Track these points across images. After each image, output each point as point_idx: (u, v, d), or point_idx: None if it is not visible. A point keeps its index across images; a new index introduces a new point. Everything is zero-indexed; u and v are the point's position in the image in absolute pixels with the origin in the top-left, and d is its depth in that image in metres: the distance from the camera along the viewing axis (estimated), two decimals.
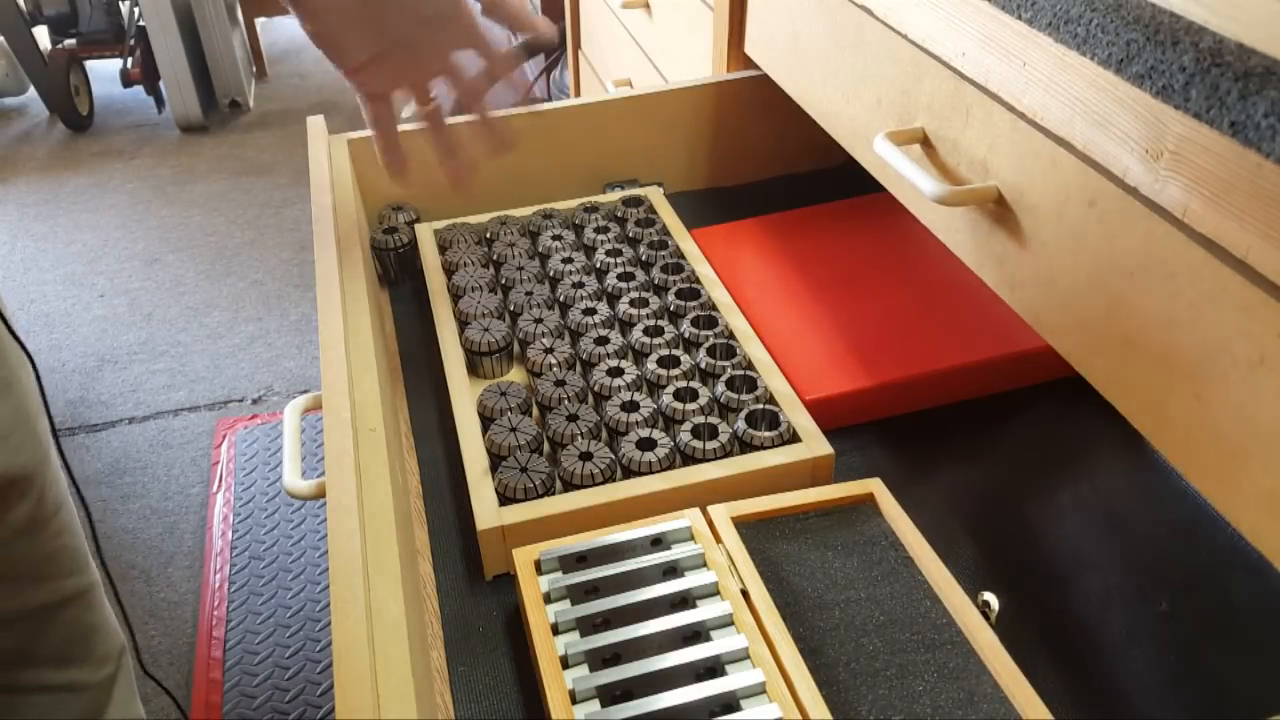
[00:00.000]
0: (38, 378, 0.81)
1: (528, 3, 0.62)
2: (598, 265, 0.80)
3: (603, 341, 0.71)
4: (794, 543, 0.58)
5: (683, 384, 0.67)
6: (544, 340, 0.72)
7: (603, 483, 0.60)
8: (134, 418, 1.86)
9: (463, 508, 0.65)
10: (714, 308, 0.74)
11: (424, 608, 0.58)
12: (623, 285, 0.77)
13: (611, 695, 0.49)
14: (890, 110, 0.64)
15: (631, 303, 0.75)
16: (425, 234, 0.85)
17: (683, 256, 0.80)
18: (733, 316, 0.73)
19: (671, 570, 0.55)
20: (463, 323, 0.75)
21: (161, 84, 2.84)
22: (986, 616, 0.54)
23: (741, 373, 0.67)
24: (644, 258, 0.81)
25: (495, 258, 0.82)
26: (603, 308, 0.74)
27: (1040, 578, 0.59)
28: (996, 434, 0.69)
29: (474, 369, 0.72)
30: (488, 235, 0.85)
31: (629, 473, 0.61)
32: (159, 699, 1.34)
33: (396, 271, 0.87)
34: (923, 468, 0.67)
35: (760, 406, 0.64)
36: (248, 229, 2.43)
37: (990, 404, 0.71)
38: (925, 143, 0.60)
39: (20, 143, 2.91)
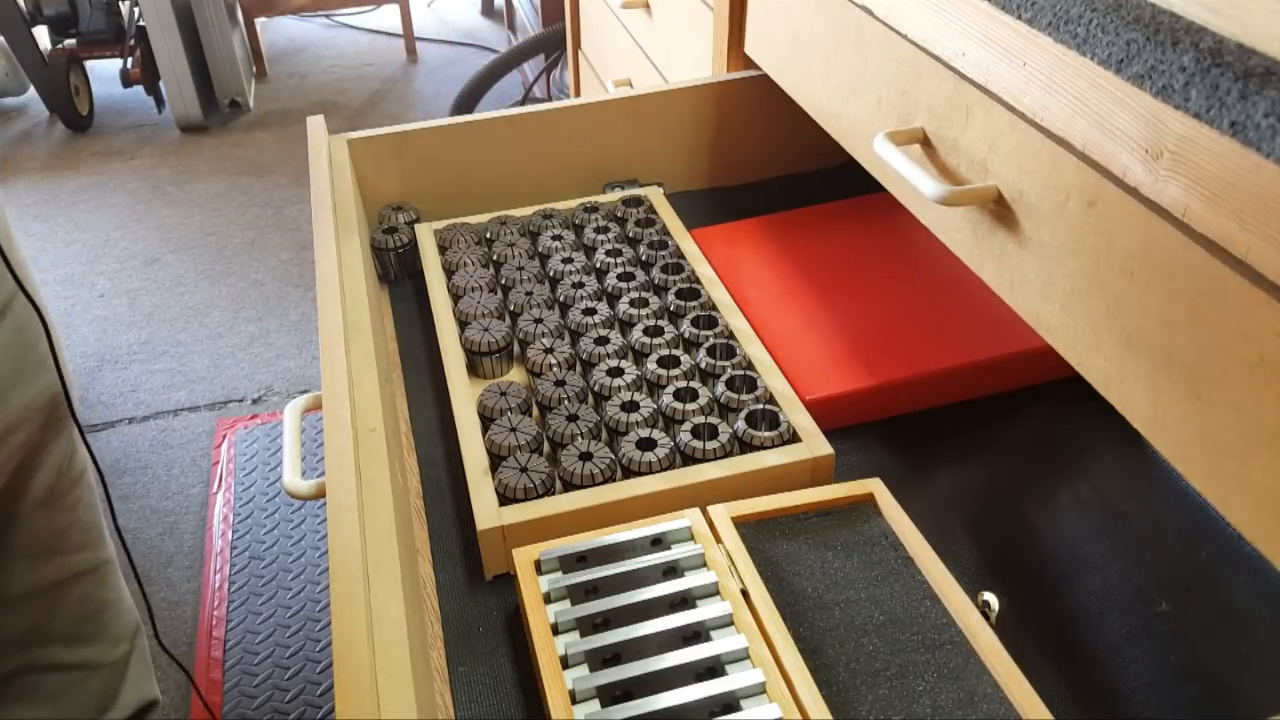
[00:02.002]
0: (49, 340, 0.80)
1: None
2: (598, 265, 0.80)
3: (603, 341, 0.71)
4: (794, 543, 0.58)
5: (683, 384, 0.67)
6: (544, 340, 0.72)
7: (603, 483, 0.60)
8: (134, 418, 1.86)
9: (463, 508, 0.65)
10: (714, 308, 0.74)
11: (424, 608, 0.58)
12: (623, 285, 0.77)
13: (611, 695, 0.49)
14: (890, 110, 0.64)
15: (631, 303, 0.75)
16: (425, 234, 0.85)
17: (683, 256, 0.80)
18: (733, 316, 0.73)
19: (671, 570, 0.55)
20: (463, 323, 0.75)
21: (161, 84, 2.84)
22: (986, 616, 0.54)
23: (741, 373, 0.67)
24: (644, 258, 0.81)
25: (495, 258, 0.82)
26: (603, 308, 0.74)
27: (1040, 578, 0.59)
28: (996, 434, 0.69)
29: (474, 369, 0.72)
30: (488, 235, 0.85)
31: (629, 473, 0.61)
32: (164, 682, 1.34)
33: (396, 271, 0.87)
34: (923, 468, 0.67)
35: (760, 406, 0.64)
36: (248, 229, 2.43)
37: (990, 404, 0.71)
38: (925, 143, 0.60)
39: (20, 143, 2.91)
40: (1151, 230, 0.43)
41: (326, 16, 3.73)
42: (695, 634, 0.52)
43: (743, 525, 0.58)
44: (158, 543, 1.59)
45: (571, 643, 0.51)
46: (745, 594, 0.54)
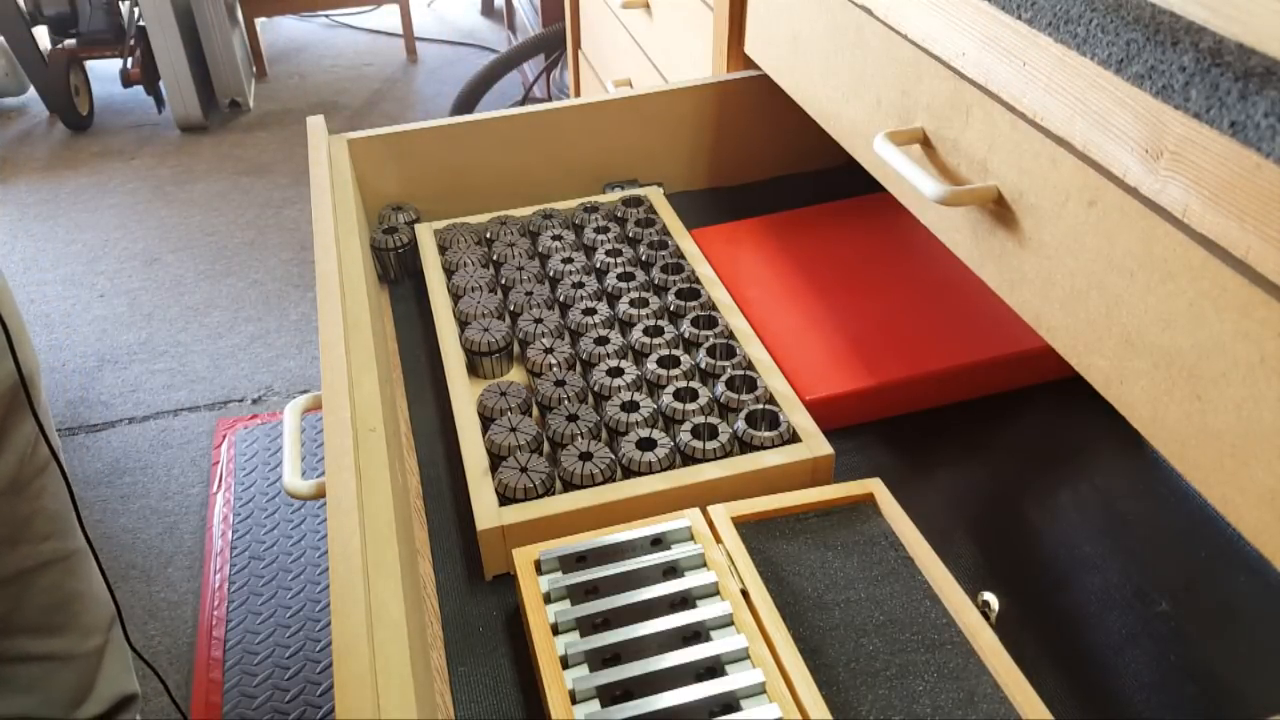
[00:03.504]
0: (9, 342, 0.79)
1: None
2: (598, 265, 0.80)
3: (603, 341, 0.71)
4: (794, 543, 0.58)
5: (683, 384, 0.67)
6: (544, 340, 0.72)
7: (603, 483, 0.60)
8: (134, 418, 1.85)
9: (463, 508, 0.65)
10: (714, 308, 0.74)
11: (424, 608, 0.58)
12: (623, 285, 0.77)
13: (611, 695, 0.49)
14: (890, 110, 0.64)
15: (631, 303, 0.75)
16: (425, 234, 0.85)
17: (683, 256, 0.80)
18: (733, 316, 0.73)
19: (671, 570, 0.55)
20: (463, 323, 0.75)
21: (161, 84, 2.84)
22: (986, 616, 0.54)
23: (741, 373, 0.67)
24: (644, 258, 0.81)
25: (495, 258, 0.82)
26: (603, 308, 0.74)
27: (1040, 578, 0.59)
28: (996, 434, 0.69)
29: (474, 369, 0.72)
30: (488, 235, 0.85)
31: (629, 473, 0.61)
32: (159, 697, 1.34)
33: (396, 271, 0.87)
34: (923, 468, 0.67)
35: (760, 406, 0.64)
36: (248, 229, 2.43)
37: (990, 404, 0.71)
38: (925, 143, 0.60)
39: (20, 143, 2.91)
40: (1151, 230, 0.43)
41: (326, 16, 3.73)
42: (695, 634, 0.52)
43: (743, 525, 0.58)
44: (158, 543, 1.59)
45: (571, 643, 0.51)
46: (745, 594, 0.54)
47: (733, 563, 0.55)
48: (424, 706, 0.44)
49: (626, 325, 0.74)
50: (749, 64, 0.95)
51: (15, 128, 3.00)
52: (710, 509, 0.58)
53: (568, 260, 0.80)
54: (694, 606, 0.53)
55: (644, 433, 0.63)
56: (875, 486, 0.60)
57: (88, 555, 0.93)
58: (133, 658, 1.02)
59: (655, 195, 0.89)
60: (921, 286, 0.78)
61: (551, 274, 0.80)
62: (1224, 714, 0.50)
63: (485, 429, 0.65)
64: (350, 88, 3.18)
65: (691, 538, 0.57)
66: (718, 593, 0.54)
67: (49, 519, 0.88)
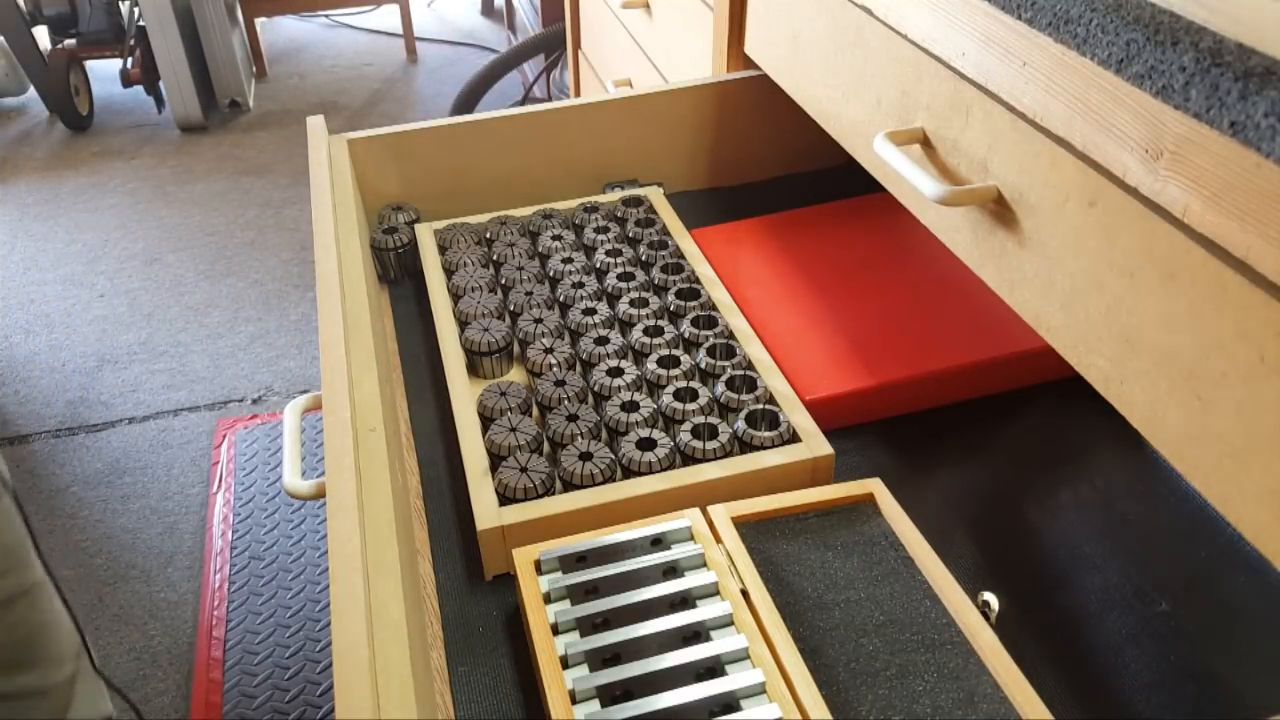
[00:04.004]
0: None
1: None
2: (598, 265, 0.80)
3: (603, 341, 0.71)
4: (794, 543, 0.58)
5: (683, 384, 0.67)
6: (544, 340, 0.72)
7: (603, 483, 0.60)
8: (134, 418, 1.85)
9: (463, 508, 0.65)
10: (714, 308, 0.74)
11: (424, 608, 0.58)
12: (623, 285, 0.77)
13: (611, 695, 0.49)
14: (890, 110, 0.64)
15: (631, 303, 0.75)
16: (425, 234, 0.85)
17: (683, 256, 0.80)
18: (733, 316, 0.73)
19: (671, 570, 0.55)
20: (463, 323, 0.75)
21: (161, 84, 2.84)
22: (986, 616, 0.54)
23: (741, 373, 0.67)
24: (644, 258, 0.81)
25: (495, 258, 0.82)
26: (603, 308, 0.74)
27: (1040, 578, 0.59)
28: (996, 434, 0.69)
29: (474, 369, 0.72)
30: (488, 235, 0.85)
31: (629, 473, 0.61)
32: (158, 697, 1.34)
33: (396, 271, 0.87)
34: (923, 468, 0.67)
35: (760, 406, 0.64)
36: (248, 229, 2.43)
37: (990, 404, 0.71)
38: (925, 143, 0.60)
39: (20, 143, 2.91)
40: (1151, 230, 0.42)
41: (326, 16, 3.73)
42: (695, 634, 0.52)
43: (743, 525, 0.58)
44: (158, 543, 1.59)
45: (571, 643, 0.51)
46: (745, 594, 0.54)
47: (733, 563, 0.55)
48: (424, 706, 0.44)
49: (626, 325, 0.74)
50: (749, 64, 0.95)
51: (15, 128, 3.00)
52: (710, 509, 0.58)
53: (568, 260, 0.80)
54: (694, 606, 0.53)
55: (644, 433, 0.63)
56: (875, 486, 0.60)
57: (48, 585, 0.90)
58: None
59: (655, 195, 0.89)
60: (921, 286, 0.78)
61: (551, 274, 0.80)
62: (1224, 714, 0.50)
63: (485, 429, 0.65)
64: (350, 88, 3.18)
65: (691, 538, 0.57)
66: (718, 593, 0.54)
67: (6, 554, 0.84)
